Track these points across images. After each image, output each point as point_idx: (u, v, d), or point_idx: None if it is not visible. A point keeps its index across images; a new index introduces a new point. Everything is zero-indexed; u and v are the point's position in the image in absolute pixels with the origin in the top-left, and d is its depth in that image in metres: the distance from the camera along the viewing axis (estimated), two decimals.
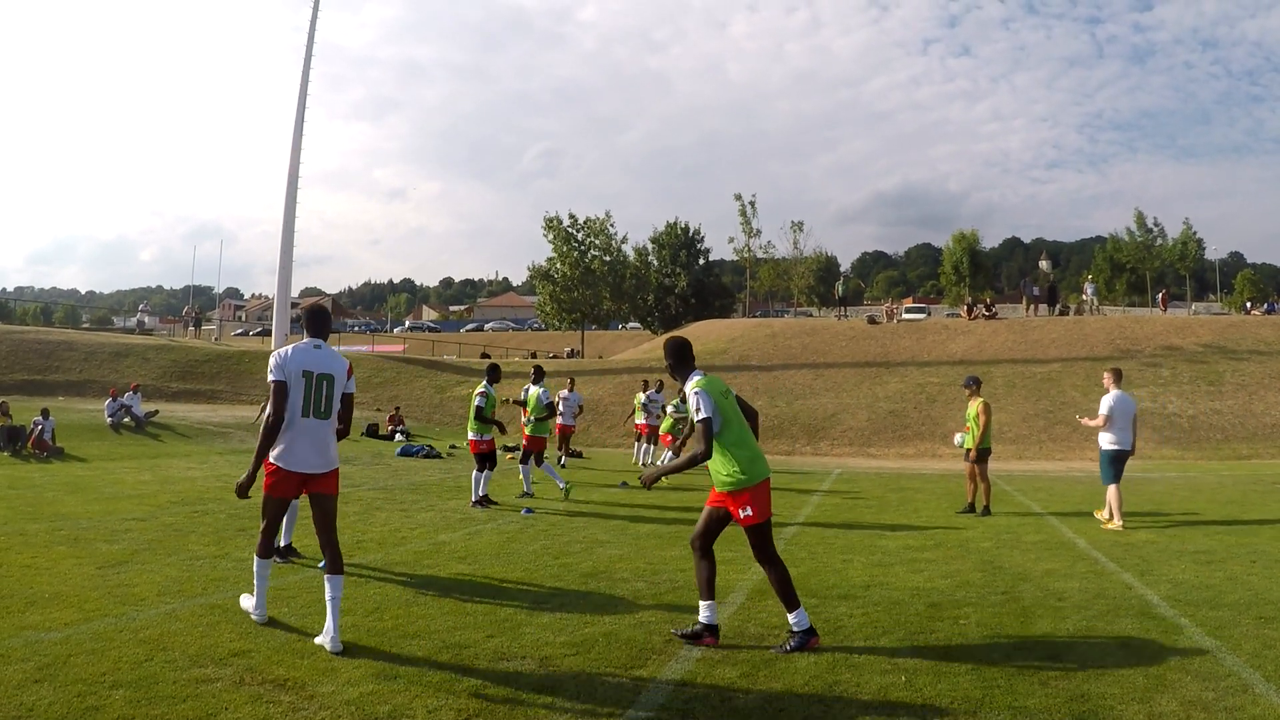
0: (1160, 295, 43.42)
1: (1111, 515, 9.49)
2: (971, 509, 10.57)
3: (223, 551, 7.21)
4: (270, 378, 4.89)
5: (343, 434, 5.28)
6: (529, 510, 10.26)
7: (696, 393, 4.87)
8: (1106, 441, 9.63)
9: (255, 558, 5.05)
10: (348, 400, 5.20)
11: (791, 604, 4.77)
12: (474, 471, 10.82)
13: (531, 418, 11.71)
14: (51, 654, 4.33)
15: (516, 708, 3.80)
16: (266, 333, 54.09)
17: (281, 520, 5.18)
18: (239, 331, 77.83)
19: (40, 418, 16.73)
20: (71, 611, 5.15)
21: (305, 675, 4.13)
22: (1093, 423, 9.75)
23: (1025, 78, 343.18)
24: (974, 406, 10.60)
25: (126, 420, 20.46)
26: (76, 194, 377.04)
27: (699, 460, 4.83)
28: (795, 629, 4.74)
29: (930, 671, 4.35)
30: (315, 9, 38.46)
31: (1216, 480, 15.33)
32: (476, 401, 10.79)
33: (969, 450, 10.57)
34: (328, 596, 4.68)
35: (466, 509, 10.43)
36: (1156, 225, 57.75)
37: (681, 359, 5.15)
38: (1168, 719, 3.75)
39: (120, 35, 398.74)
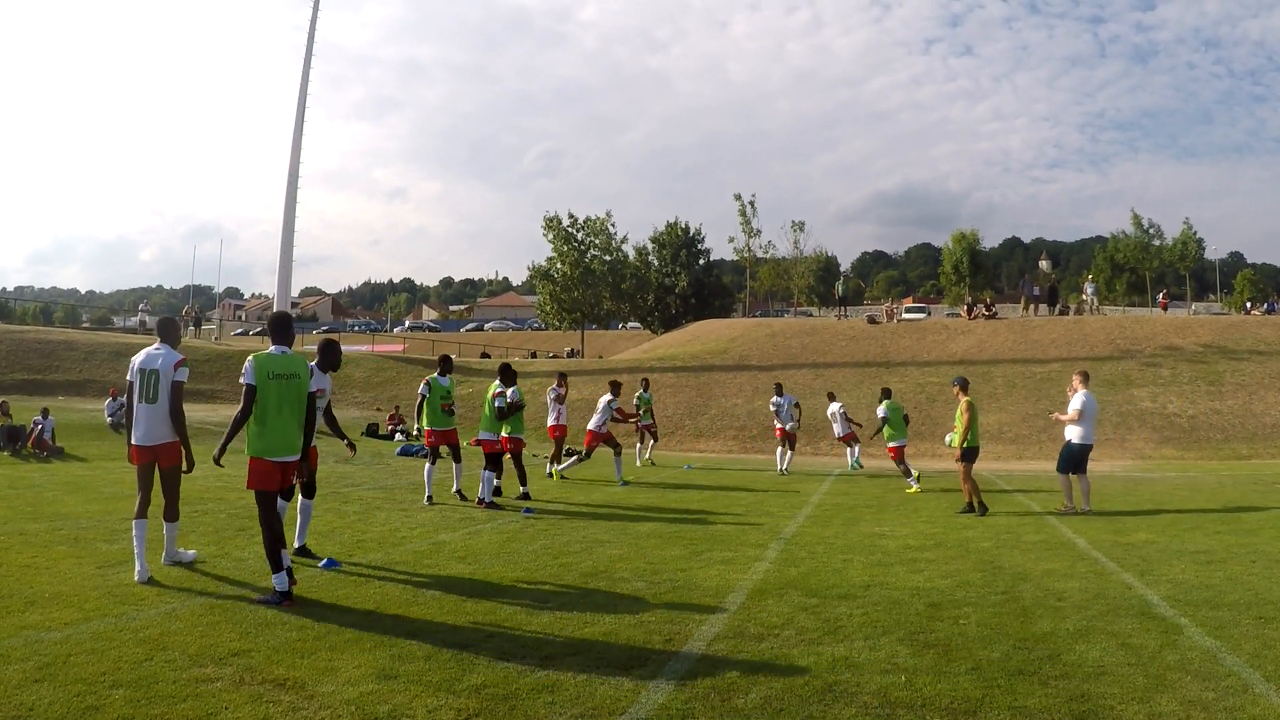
0: (1160, 296, 43.43)
1: (1064, 499, 10.78)
2: (971, 509, 10.57)
3: (222, 551, 7.21)
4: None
5: (174, 414, 6.22)
6: (529, 510, 10.26)
7: (249, 359, 5.68)
8: (1076, 436, 10.75)
9: (133, 521, 6.15)
10: (174, 388, 6.22)
11: (275, 566, 5.50)
12: (484, 470, 10.80)
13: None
14: (51, 654, 4.33)
15: (516, 708, 3.80)
16: (266, 333, 54.06)
17: (150, 488, 6.27)
18: (239, 331, 77.84)
19: (40, 417, 16.73)
20: (71, 611, 5.15)
21: (305, 675, 4.14)
22: (1065, 419, 10.84)
23: (1027, 77, 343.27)
24: (958, 407, 10.71)
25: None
26: (76, 194, 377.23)
27: (239, 420, 5.65)
28: (276, 588, 5.48)
29: (930, 671, 4.35)
30: (315, 8, 38.52)
31: (1216, 480, 15.34)
32: (496, 403, 10.72)
33: (964, 450, 10.62)
34: (165, 536, 6.40)
35: (467, 509, 10.43)
36: (1153, 226, 57.83)
37: (271, 329, 6.06)
38: (1168, 719, 3.75)
39: (120, 35, 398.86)
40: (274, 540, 5.53)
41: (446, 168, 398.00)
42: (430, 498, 10.81)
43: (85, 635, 4.66)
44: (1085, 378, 10.97)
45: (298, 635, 4.80)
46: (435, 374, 11.24)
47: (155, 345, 6.41)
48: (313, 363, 7.14)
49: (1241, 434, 21.76)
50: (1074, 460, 10.76)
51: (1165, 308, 41.03)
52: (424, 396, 10.99)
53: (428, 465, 10.99)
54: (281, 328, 5.96)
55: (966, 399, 10.77)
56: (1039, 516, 10.42)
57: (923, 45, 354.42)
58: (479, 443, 11.29)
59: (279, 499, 6.97)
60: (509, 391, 11.13)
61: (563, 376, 15.67)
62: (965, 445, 10.60)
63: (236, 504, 10.04)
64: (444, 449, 11.20)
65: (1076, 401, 10.68)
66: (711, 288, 58.69)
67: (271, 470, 5.61)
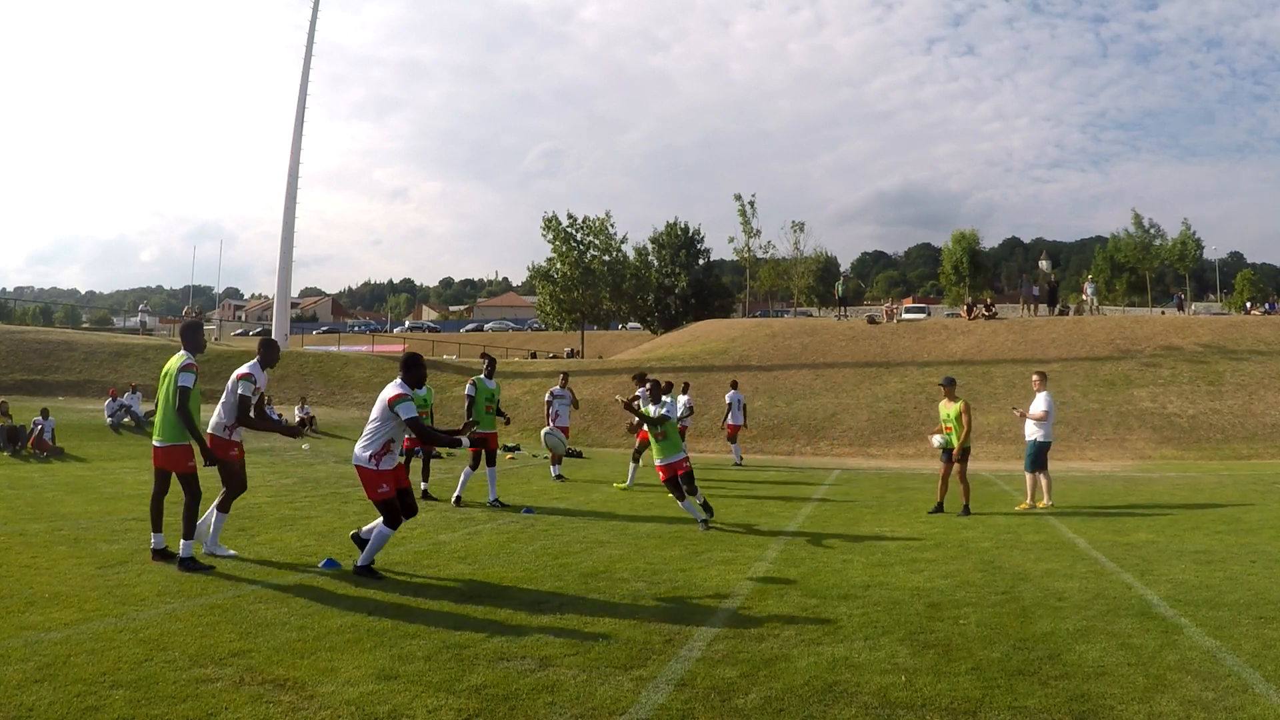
0: (1178, 298, 43.29)
1: (1042, 496, 11.08)
2: (967, 510, 10.55)
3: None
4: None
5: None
6: (529, 510, 10.25)
7: None
8: (1041, 434, 11.02)
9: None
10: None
11: (154, 527, 6.70)
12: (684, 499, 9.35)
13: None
14: (51, 654, 4.33)
15: (516, 708, 3.80)
16: (266, 333, 54.11)
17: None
18: (239, 332, 77.82)
19: (40, 418, 16.73)
20: (71, 611, 5.15)
21: (305, 675, 4.13)
22: (1034, 416, 11.06)
23: (1029, 77, 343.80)
24: (955, 408, 10.69)
25: (126, 420, 20.46)
26: (76, 194, 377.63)
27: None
28: (182, 553, 6.47)
29: (930, 671, 4.35)
30: (315, 8, 38.45)
31: (1216, 480, 15.33)
32: (686, 420, 9.99)
33: (952, 450, 10.61)
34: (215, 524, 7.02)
35: (467, 510, 10.43)
36: (1153, 225, 57.86)
37: (183, 335, 6.97)
38: (1168, 719, 3.75)
39: (120, 35, 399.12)
40: (156, 509, 6.71)
41: (447, 168, 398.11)
42: (458, 498, 10.77)
43: (85, 635, 4.66)
44: (1044, 378, 11.40)
45: (298, 636, 4.80)
46: (481, 375, 11.31)
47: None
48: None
49: (1241, 434, 21.75)
50: (1042, 458, 11.08)
51: (1182, 309, 40.82)
52: (471, 398, 11.02)
53: (468, 469, 10.96)
54: (183, 334, 7.05)
55: (962, 400, 10.82)
56: (1039, 517, 10.41)
57: (924, 45, 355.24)
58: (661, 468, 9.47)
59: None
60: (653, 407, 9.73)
61: (566, 376, 15.76)
62: (963, 445, 10.62)
63: (237, 505, 10.01)
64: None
65: (1044, 402, 11.01)
66: (711, 288, 58.60)
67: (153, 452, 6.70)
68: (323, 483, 12.95)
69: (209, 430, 6.98)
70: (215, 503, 7.01)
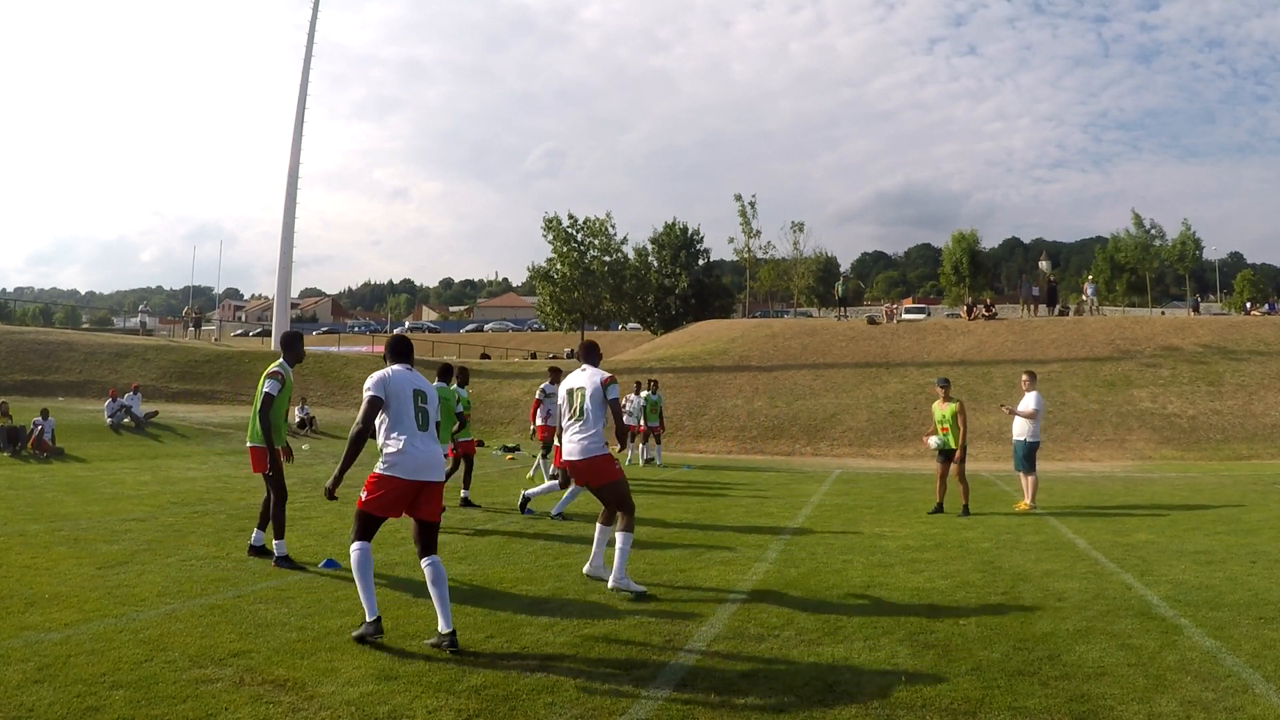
0: (1195, 302, 43.27)
1: (1029, 498, 11.03)
2: (967, 510, 10.55)
3: (223, 552, 7.21)
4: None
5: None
6: (529, 510, 10.25)
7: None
8: (1030, 434, 10.96)
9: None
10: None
11: (260, 524, 7.11)
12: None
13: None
14: (51, 654, 4.33)
15: (516, 708, 3.80)
16: (266, 333, 54.08)
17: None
18: (239, 332, 77.87)
19: (40, 418, 16.74)
20: (71, 612, 5.15)
21: (305, 675, 4.14)
22: (1025, 414, 10.95)
23: (1030, 77, 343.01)
24: (951, 408, 10.72)
25: (126, 421, 20.46)
26: (76, 194, 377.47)
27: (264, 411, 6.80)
28: (276, 553, 6.74)
29: (930, 671, 4.35)
30: (315, 8, 38.44)
31: (1216, 480, 15.34)
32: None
33: (951, 451, 10.63)
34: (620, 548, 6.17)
35: (466, 510, 10.42)
36: (1154, 226, 57.95)
37: (286, 347, 7.15)
38: (1168, 719, 3.75)
39: (120, 34, 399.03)
40: (263, 508, 7.09)
41: (448, 168, 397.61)
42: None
43: (85, 636, 4.66)
44: (1033, 377, 11.34)
45: (298, 636, 4.80)
46: (548, 382, 11.62)
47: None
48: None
49: (1241, 434, 21.76)
50: (1033, 458, 11.07)
51: (1197, 308, 40.84)
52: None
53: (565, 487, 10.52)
54: (281, 343, 7.29)
55: (958, 401, 10.90)
56: (1039, 517, 10.42)
57: (926, 45, 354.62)
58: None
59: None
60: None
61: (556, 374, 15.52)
62: (954, 446, 10.69)
63: (237, 504, 10.05)
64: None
65: (1035, 401, 10.99)
66: (711, 288, 58.58)
67: None
68: (323, 483, 12.94)
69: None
70: (618, 527, 6.11)
